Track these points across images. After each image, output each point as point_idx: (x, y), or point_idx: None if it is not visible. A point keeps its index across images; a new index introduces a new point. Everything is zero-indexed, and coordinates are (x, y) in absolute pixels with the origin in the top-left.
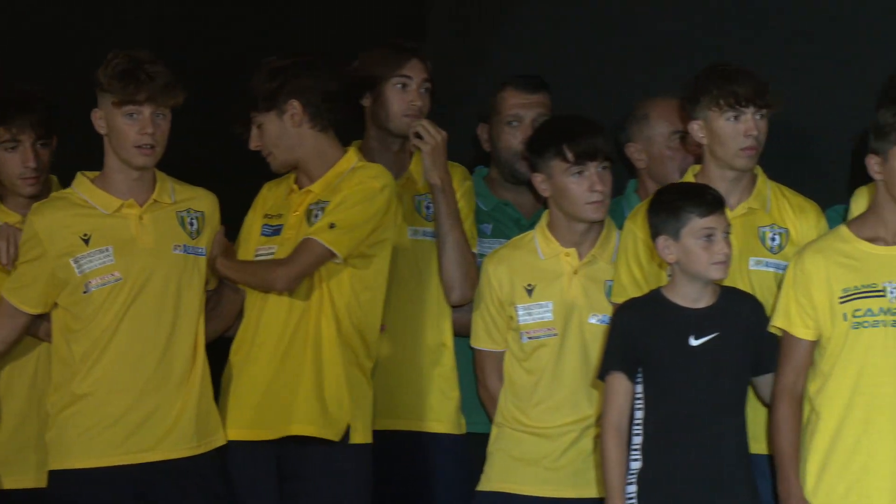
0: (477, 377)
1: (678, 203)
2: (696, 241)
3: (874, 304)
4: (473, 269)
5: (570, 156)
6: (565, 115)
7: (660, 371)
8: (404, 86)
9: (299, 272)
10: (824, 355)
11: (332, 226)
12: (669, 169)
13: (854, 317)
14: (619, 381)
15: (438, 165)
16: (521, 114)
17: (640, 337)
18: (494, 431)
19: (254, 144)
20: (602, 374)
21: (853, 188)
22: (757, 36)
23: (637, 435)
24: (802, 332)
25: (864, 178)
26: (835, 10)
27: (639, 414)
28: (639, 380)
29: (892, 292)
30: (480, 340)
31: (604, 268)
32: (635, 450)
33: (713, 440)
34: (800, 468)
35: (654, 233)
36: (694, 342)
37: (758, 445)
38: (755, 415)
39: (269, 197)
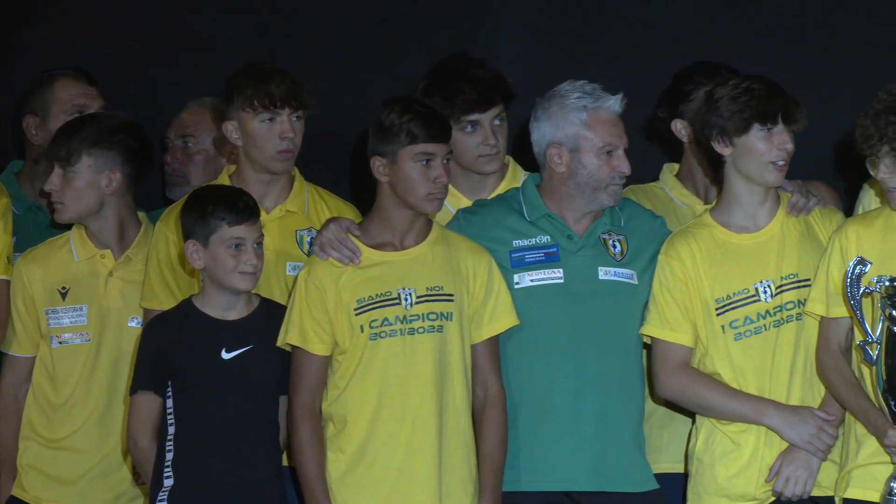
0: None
1: (209, 209)
2: (225, 249)
3: (391, 312)
4: None
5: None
6: (92, 114)
7: (190, 385)
8: None
9: None
10: (339, 369)
11: None
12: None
13: (371, 328)
14: (147, 399)
15: None
16: (86, 104)
17: (169, 352)
18: (22, 445)
19: None
20: (131, 391)
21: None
22: (291, 34)
23: (169, 451)
24: (318, 347)
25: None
26: (370, 11)
27: (170, 430)
28: (169, 394)
29: (406, 299)
30: (11, 344)
31: (141, 269)
32: (167, 467)
33: (245, 456)
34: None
35: (185, 236)
36: (226, 355)
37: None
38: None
39: None
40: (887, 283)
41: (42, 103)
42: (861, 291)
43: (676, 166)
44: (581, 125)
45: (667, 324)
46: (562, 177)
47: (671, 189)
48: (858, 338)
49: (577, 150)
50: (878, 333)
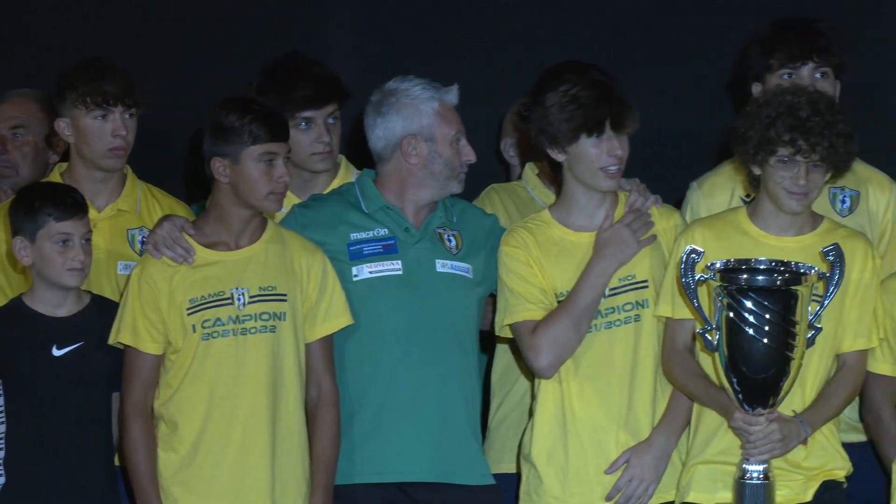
0: None
1: (36, 204)
2: (52, 245)
3: (223, 312)
4: None
5: None
6: None
7: (22, 383)
8: None
9: None
10: (172, 368)
11: None
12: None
13: (203, 327)
14: None
15: None
16: None
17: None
18: None
19: None
20: None
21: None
22: (122, 33)
23: (0, 450)
24: (151, 346)
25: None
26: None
27: (2, 428)
28: (0, 392)
29: (239, 299)
30: None
31: None
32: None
33: (77, 454)
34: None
35: (13, 233)
36: (56, 352)
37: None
38: None
39: None
40: (718, 266)
41: None
42: (696, 279)
43: (538, 166)
44: (434, 115)
45: (528, 304)
46: (413, 168)
47: (533, 188)
48: (698, 326)
49: (433, 140)
50: (716, 320)
